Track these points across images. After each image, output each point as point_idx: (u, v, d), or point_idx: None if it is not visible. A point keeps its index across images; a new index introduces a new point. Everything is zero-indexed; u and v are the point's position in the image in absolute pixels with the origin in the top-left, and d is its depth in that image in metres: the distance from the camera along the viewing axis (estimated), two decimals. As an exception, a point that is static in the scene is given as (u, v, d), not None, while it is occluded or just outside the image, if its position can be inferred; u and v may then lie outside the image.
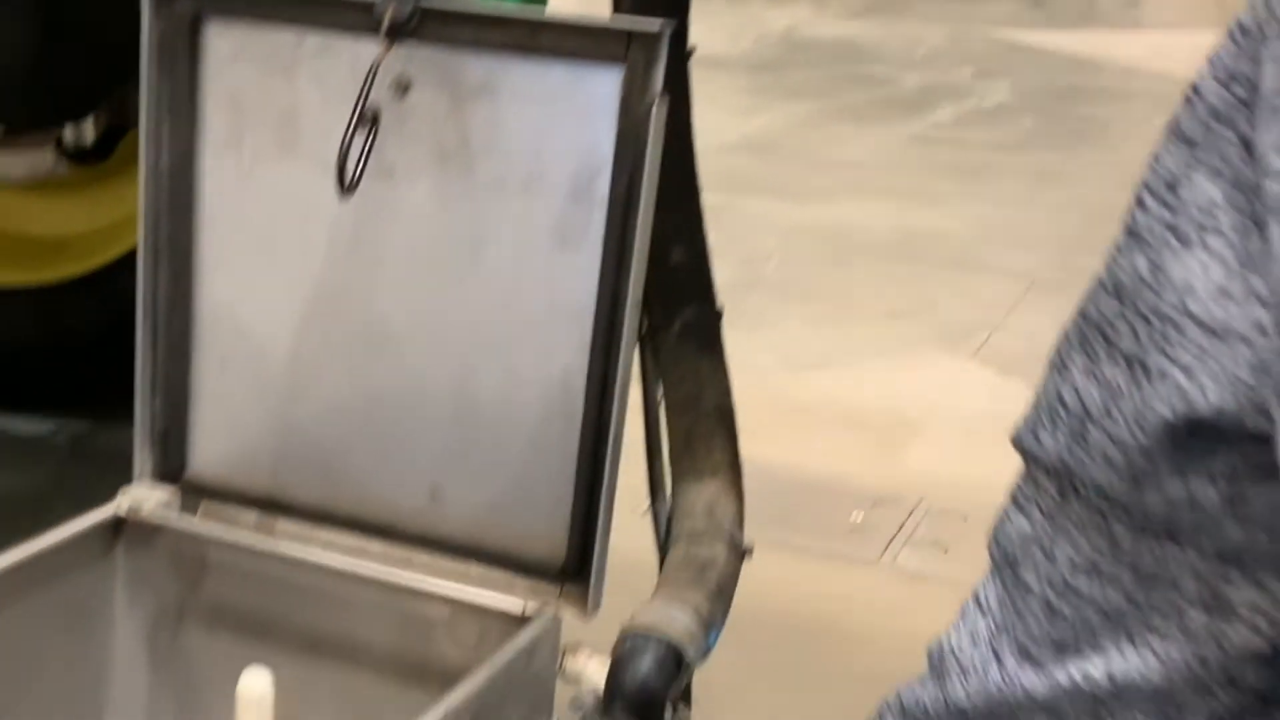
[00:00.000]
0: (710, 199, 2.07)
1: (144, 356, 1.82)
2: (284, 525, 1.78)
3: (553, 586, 1.67)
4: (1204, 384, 0.81)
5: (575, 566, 1.66)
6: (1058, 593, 0.94)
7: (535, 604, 1.63)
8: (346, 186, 1.54)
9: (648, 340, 1.79)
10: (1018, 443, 0.95)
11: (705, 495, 1.68)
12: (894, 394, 5.34)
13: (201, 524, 1.80)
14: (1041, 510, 0.95)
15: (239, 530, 1.79)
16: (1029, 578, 0.96)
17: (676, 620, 1.51)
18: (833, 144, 7.65)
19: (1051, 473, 0.94)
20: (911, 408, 5.02)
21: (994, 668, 0.98)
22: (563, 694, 1.63)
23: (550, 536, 1.67)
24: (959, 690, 1.00)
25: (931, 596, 4.19)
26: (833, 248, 6.58)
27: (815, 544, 4.34)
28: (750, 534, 4.01)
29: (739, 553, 1.65)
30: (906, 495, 4.52)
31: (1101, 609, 0.93)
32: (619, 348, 1.60)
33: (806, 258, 6.49)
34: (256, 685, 1.48)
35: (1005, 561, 0.99)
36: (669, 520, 1.69)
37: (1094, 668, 0.95)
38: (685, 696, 1.64)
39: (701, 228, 1.85)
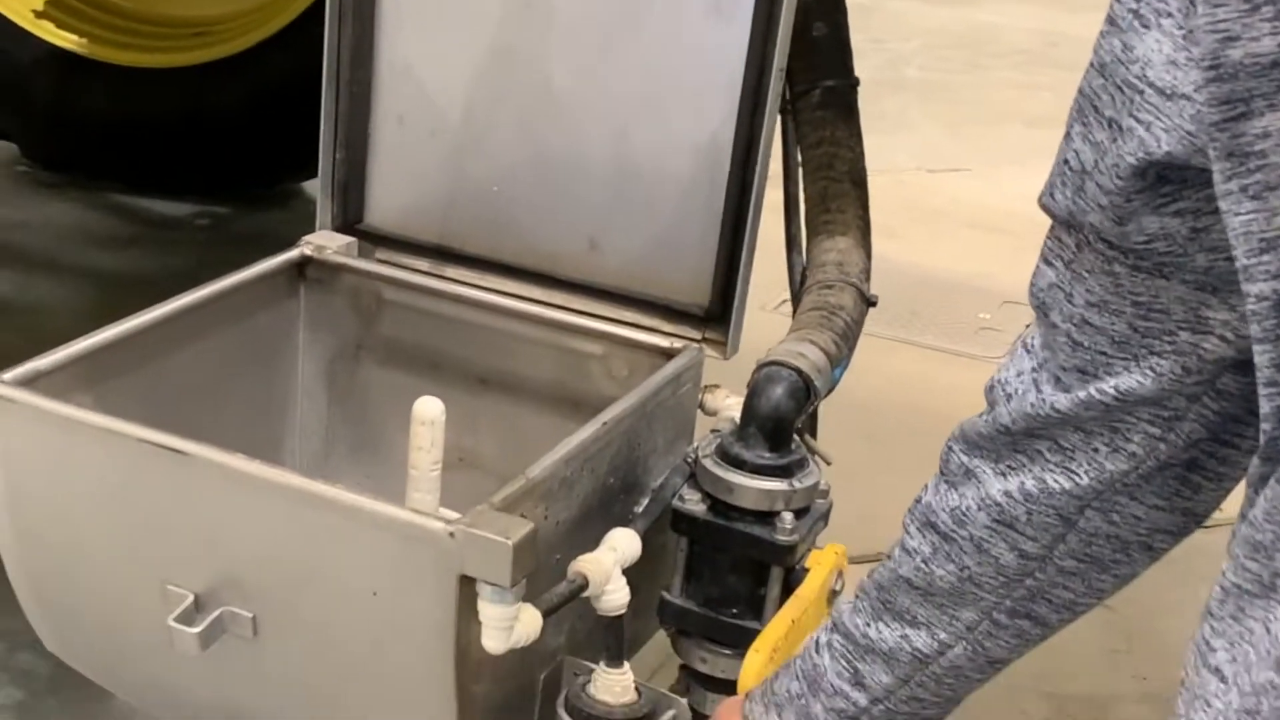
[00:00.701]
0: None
1: (327, 113, 2.04)
2: (453, 271, 2.03)
3: (696, 330, 1.92)
4: (1158, 135, 1.04)
5: (717, 312, 1.91)
6: (1077, 327, 1.19)
7: (680, 342, 1.90)
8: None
9: (789, 107, 2.00)
10: (1041, 204, 1.19)
11: (836, 250, 1.91)
12: (1026, 199, 5.50)
13: (378, 266, 2.05)
14: (1063, 261, 1.19)
15: (413, 272, 2.04)
16: (1056, 318, 1.21)
17: (807, 355, 1.75)
18: (978, -54, 7.71)
19: (1066, 226, 1.17)
20: (1042, 213, 5.18)
21: (1033, 393, 1.24)
22: (702, 425, 1.90)
23: (695, 285, 1.91)
24: (1004, 413, 1.27)
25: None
26: (973, 51, 6.70)
27: (944, 342, 4.58)
28: (882, 330, 4.25)
29: (865, 301, 1.89)
30: (1034, 297, 4.72)
31: (1111, 338, 1.17)
32: (764, 113, 1.82)
33: (948, 61, 6.62)
34: (429, 409, 1.72)
35: (1039, 308, 1.23)
36: (803, 271, 1.93)
37: (1106, 385, 1.18)
38: (811, 427, 1.89)
39: (842, 4, 2.05)
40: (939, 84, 6.51)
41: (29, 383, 1.66)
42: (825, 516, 1.77)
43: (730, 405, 1.88)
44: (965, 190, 5.78)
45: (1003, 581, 1.33)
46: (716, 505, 1.72)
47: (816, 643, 1.46)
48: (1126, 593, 1.38)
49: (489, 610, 1.46)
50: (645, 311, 1.94)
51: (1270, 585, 0.99)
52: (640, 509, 1.74)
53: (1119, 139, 1.08)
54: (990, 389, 1.31)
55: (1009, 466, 1.29)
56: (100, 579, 1.67)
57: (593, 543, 1.62)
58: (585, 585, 1.57)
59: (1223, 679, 1.01)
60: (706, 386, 1.91)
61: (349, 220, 2.09)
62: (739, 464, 1.71)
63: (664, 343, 1.89)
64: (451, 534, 1.44)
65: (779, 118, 1.88)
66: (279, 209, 4.91)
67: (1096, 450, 1.23)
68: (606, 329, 1.93)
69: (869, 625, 1.41)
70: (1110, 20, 1.08)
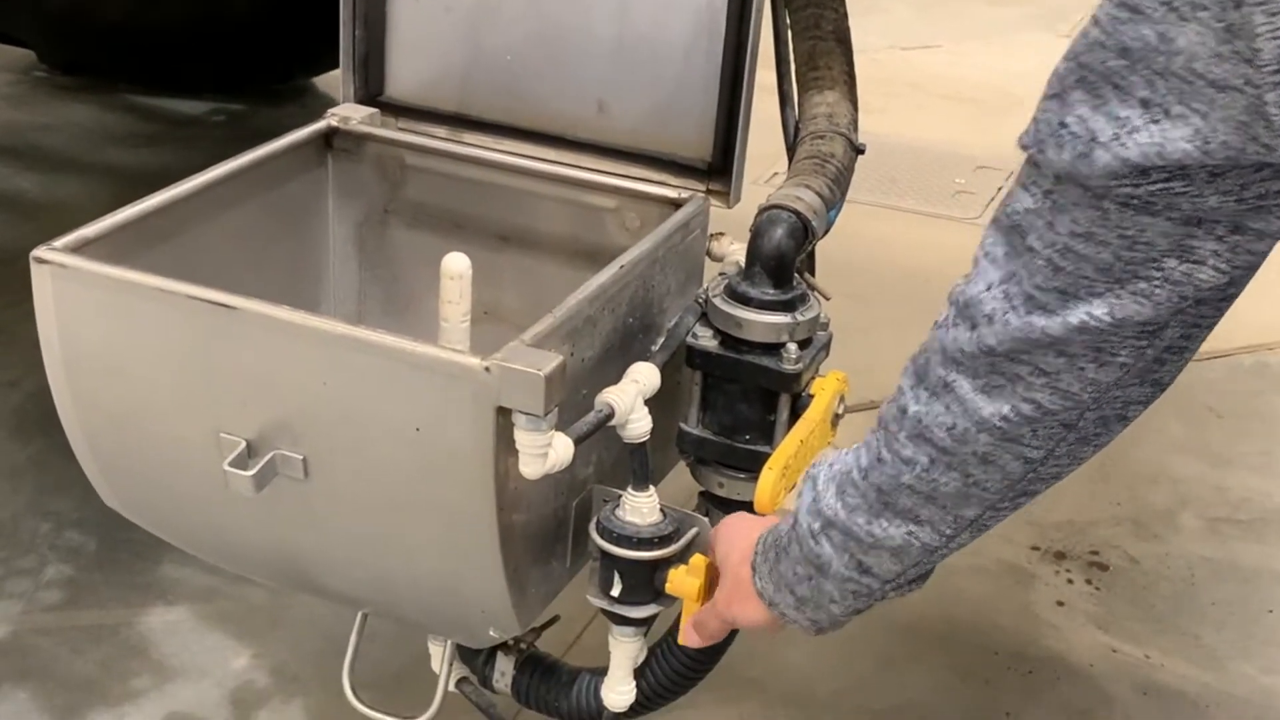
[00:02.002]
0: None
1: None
2: (471, 137, 2.05)
3: (701, 182, 1.94)
4: (1215, 125, 1.04)
5: (720, 164, 1.92)
6: (1060, 253, 1.17)
7: (687, 193, 1.92)
8: None
9: (778, -30, 2.03)
10: (1026, 149, 1.19)
11: (825, 103, 1.93)
12: (996, 72, 5.54)
13: (400, 134, 2.06)
14: (1042, 191, 1.18)
15: (433, 139, 2.06)
16: (1034, 243, 1.19)
17: (804, 198, 1.77)
18: None
19: (1055, 176, 1.17)
20: (1012, 84, 5.22)
21: (1011, 315, 1.22)
22: (710, 271, 1.93)
23: (699, 141, 1.93)
24: (988, 335, 1.24)
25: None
26: (939, -65, 6.69)
27: (922, 206, 4.61)
28: (863, 197, 4.27)
29: (854, 149, 1.92)
30: (1006, 161, 4.75)
31: (1096, 265, 1.16)
32: (756, -26, 1.85)
33: (915, -56, 6.61)
34: (456, 264, 1.72)
35: (1014, 229, 1.22)
36: (796, 125, 1.96)
37: (1096, 309, 1.17)
38: (810, 265, 1.92)
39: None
40: (908, -34, 6.50)
41: (78, 249, 1.68)
42: (826, 347, 1.81)
43: (735, 251, 1.91)
44: (936, 65, 5.80)
45: (1008, 484, 1.32)
46: (727, 340, 1.75)
47: (810, 531, 1.44)
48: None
49: (525, 438, 1.49)
50: (653, 168, 1.96)
51: None
52: (657, 346, 1.77)
53: (1164, 122, 1.08)
54: (962, 302, 1.28)
55: (991, 385, 1.26)
56: (156, 432, 1.69)
57: (616, 377, 1.65)
58: (612, 414, 1.60)
59: None
60: (713, 234, 1.94)
61: (370, 93, 2.11)
62: (746, 301, 1.74)
63: (672, 194, 1.91)
64: (487, 369, 1.47)
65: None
66: (292, 103, 4.93)
67: (1083, 369, 1.22)
68: (618, 183, 1.95)
69: (871, 524, 1.39)
70: (1130, 7, 1.08)
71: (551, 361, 1.47)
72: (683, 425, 1.80)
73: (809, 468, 1.48)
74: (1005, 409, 1.26)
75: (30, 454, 3.08)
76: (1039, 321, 1.20)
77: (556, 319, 1.59)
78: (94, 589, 2.78)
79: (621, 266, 1.71)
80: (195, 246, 1.86)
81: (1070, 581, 2.92)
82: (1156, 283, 1.15)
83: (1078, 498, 3.14)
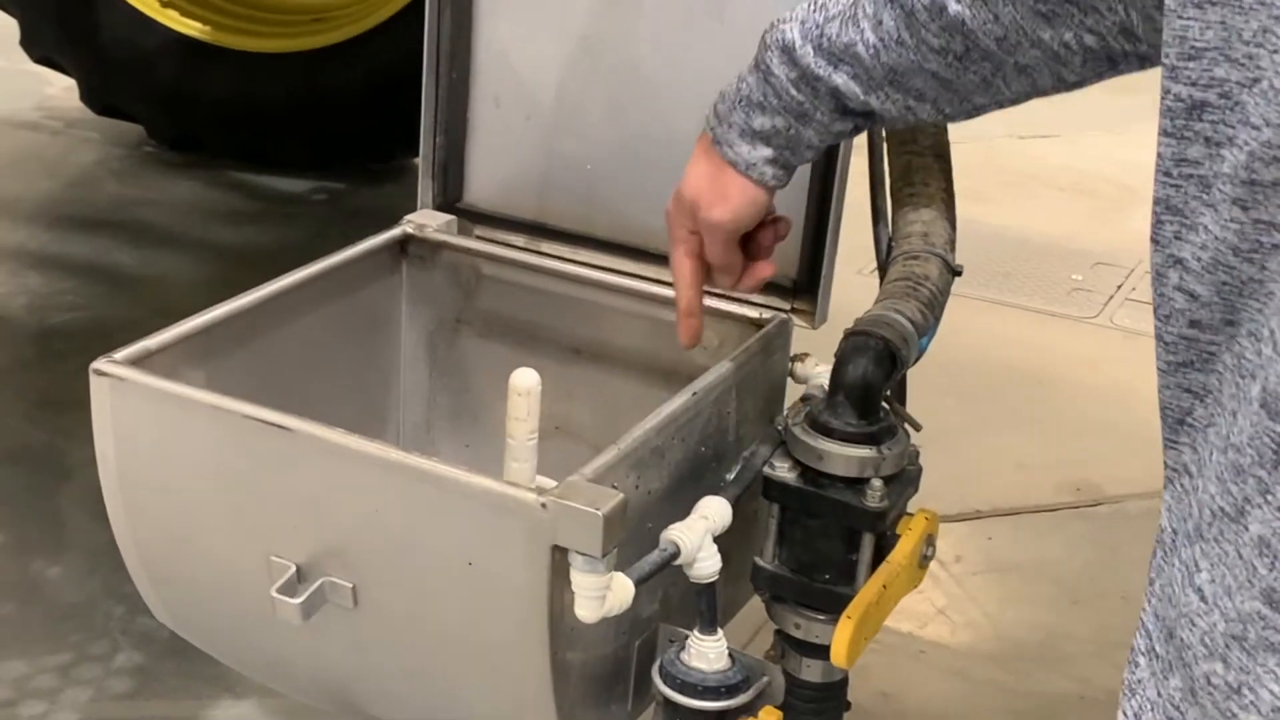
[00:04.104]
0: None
1: (428, 98, 2.02)
2: (548, 246, 2.00)
3: (784, 300, 1.88)
4: None
5: (805, 282, 1.87)
6: None
7: (770, 312, 1.86)
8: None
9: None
10: None
11: (921, 221, 1.86)
12: (1116, 163, 5.43)
13: (476, 243, 2.02)
14: None
15: (509, 248, 2.01)
16: None
17: (894, 324, 1.70)
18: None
19: None
20: (1132, 176, 5.12)
21: None
22: (792, 393, 1.86)
23: (784, 256, 1.85)
24: None
25: (1146, 351, 4.33)
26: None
27: (1037, 302, 4.51)
28: (975, 292, 4.19)
29: (950, 271, 1.84)
30: (1125, 258, 4.65)
31: None
32: (848, 87, 1.79)
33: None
34: (525, 380, 1.67)
35: None
36: (889, 242, 1.89)
37: None
38: (900, 394, 1.85)
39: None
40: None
41: (139, 361, 1.64)
42: (915, 482, 1.73)
43: (819, 373, 1.84)
44: (1054, 155, 5.70)
45: (1030, 92, 1.40)
46: (807, 472, 1.68)
47: (786, 78, 1.48)
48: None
49: (581, 580, 1.42)
50: (735, 283, 1.90)
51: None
52: (731, 475, 1.70)
53: None
54: None
55: (1055, 13, 1.28)
56: (207, 551, 1.65)
57: (685, 510, 1.58)
58: (677, 553, 1.53)
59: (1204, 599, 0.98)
60: (795, 355, 1.87)
61: (449, 199, 2.07)
62: (828, 432, 1.66)
63: (753, 313, 1.85)
64: (543, 505, 1.41)
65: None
66: (392, 183, 4.95)
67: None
68: (696, 301, 1.89)
69: (869, 95, 1.45)
70: None
71: (611, 500, 1.41)
72: (758, 560, 1.72)
73: (766, 32, 1.50)
74: (1068, 35, 1.30)
75: (110, 537, 3.04)
76: None
77: (621, 450, 1.53)
78: (162, 678, 2.76)
79: (694, 394, 1.65)
80: (265, 354, 1.83)
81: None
82: None
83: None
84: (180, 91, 4.82)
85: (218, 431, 1.57)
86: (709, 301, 1.87)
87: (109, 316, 4.09)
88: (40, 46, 4.93)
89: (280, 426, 1.53)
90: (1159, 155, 1.00)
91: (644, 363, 1.94)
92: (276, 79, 4.73)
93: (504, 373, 1.68)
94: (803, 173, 1.84)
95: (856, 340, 1.69)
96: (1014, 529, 3.39)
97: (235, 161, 5.03)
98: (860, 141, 1.87)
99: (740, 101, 1.53)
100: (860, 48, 1.42)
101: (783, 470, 1.68)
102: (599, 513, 1.39)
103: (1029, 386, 3.95)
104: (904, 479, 1.70)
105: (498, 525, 1.45)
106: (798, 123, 1.51)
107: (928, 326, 1.76)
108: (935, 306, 1.79)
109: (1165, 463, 1.05)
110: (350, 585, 1.55)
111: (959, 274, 1.86)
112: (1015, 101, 1.45)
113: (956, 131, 1.87)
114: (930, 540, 1.71)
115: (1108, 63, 1.33)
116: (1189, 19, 0.96)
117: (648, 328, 1.92)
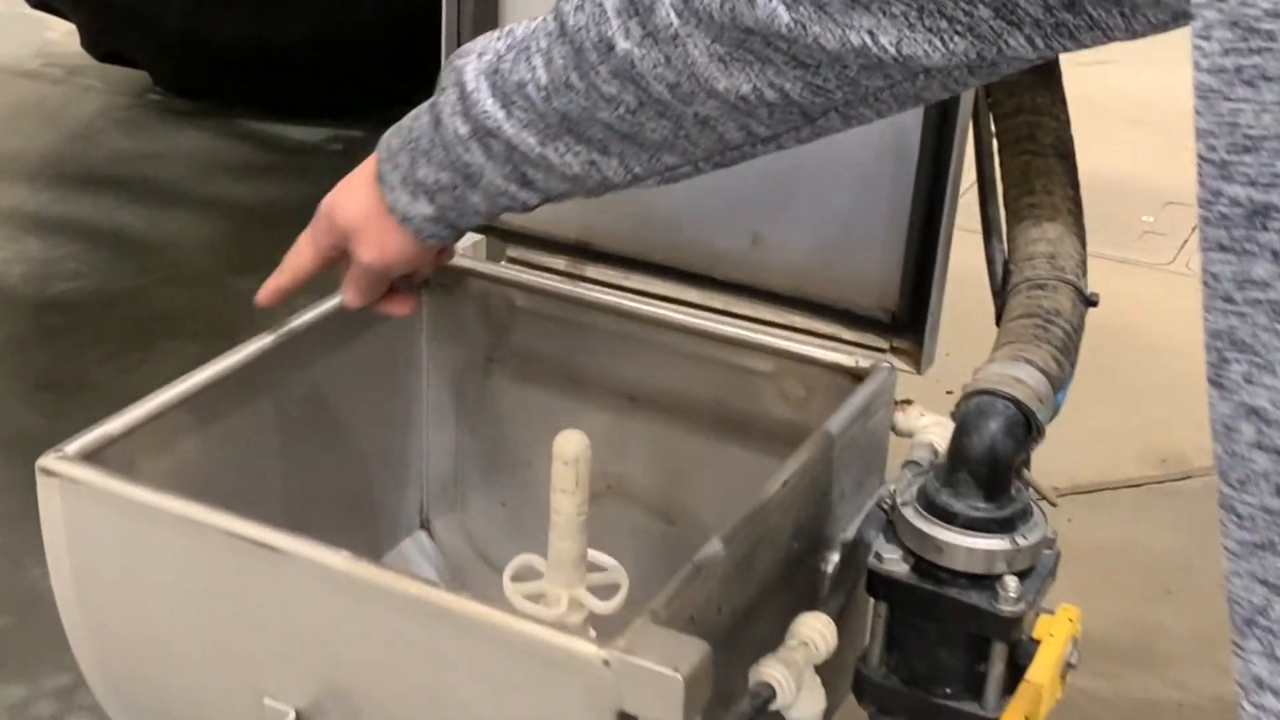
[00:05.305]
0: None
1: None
2: (594, 271, 1.67)
3: (881, 338, 1.55)
4: None
5: (907, 317, 1.54)
6: None
7: (868, 358, 1.51)
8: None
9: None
10: None
11: (1045, 239, 1.52)
12: (1180, 92, 5.06)
13: (509, 268, 1.70)
14: None
15: (547, 275, 1.69)
16: None
17: (1025, 380, 1.36)
18: None
19: None
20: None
21: (780, 5, 1.02)
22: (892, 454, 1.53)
23: (881, 284, 1.53)
24: (746, 13, 1.03)
25: (1229, 302, 4.04)
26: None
27: (1105, 248, 4.17)
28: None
29: (1084, 302, 1.51)
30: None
31: None
32: (957, 79, 1.45)
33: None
34: (572, 446, 1.37)
35: None
36: (1005, 266, 1.55)
37: (885, 36, 1.00)
38: (1024, 462, 1.51)
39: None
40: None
41: (98, 454, 1.31)
42: (1053, 571, 1.39)
43: (926, 426, 1.50)
44: (1113, 82, 5.33)
45: (721, 148, 1.17)
46: (921, 564, 1.34)
47: (459, 136, 1.25)
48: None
49: (657, 756, 1.10)
50: (820, 316, 1.57)
51: None
52: (829, 569, 1.37)
53: None
54: None
55: (734, 58, 1.07)
56: (186, 685, 1.33)
57: (774, 623, 1.26)
58: (773, 697, 1.21)
59: None
60: (897, 403, 1.53)
61: (476, 214, 1.73)
62: (948, 516, 1.32)
63: (848, 360, 1.50)
64: (606, 662, 1.08)
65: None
66: None
67: (847, 68, 1.04)
68: (777, 343, 1.54)
69: (546, 146, 1.21)
70: None
71: (693, 655, 1.08)
72: (862, 667, 1.39)
73: (451, 58, 1.29)
74: (745, 88, 1.09)
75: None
76: (814, 27, 1.02)
77: (699, 567, 1.20)
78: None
79: (785, 482, 1.31)
80: (263, 417, 1.52)
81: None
82: (960, 29, 0.99)
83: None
84: (187, 36, 4.58)
85: (195, 550, 1.24)
86: (791, 344, 1.53)
87: (113, 285, 3.83)
88: (38, -10, 4.71)
89: (270, 547, 1.20)
90: (1211, 276, 0.76)
91: (710, 412, 1.60)
92: (289, 20, 4.47)
93: (543, 421, 1.46)
94: (904, 180, 1.50)
95: (980, 402, 1.34)
96: (1093, 509, 3.10)
97: (245, 109, 4.77)
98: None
99: (409, 144, 1.32)
100: (532, 88, 1.20)
101: (892, 561, 1.35)
102: (679, 676, 1.06)
103: (1102, 344, 3.60)
104: (1040, 570, 1.37)
105: (547, 683, 1.12)
106: (465, 184, 1.29)
107: (1064, 377, 1.42)
108: (1070, 351, 1.45)
109: (1234, 676, 0.79)
110: (362, 740, 1.22)
111: (1094, 304, 1.51)
112: (709, 162, 1.21)
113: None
114: (1074, 644, 1.38)
115: (802, 116, 1.13)
116: (1239, 101, 0.72)
117: (717, 373, 1.58)
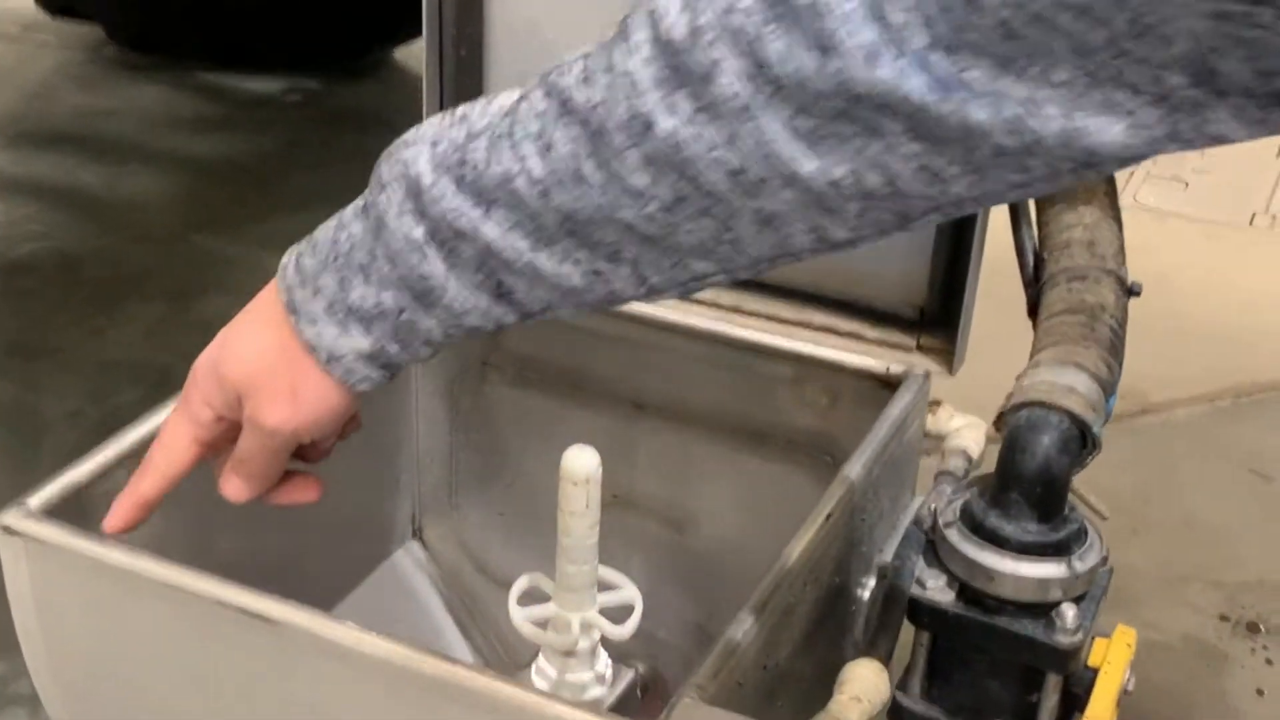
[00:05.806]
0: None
1: (431, 80, 1.52)
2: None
3: (909, 336, 1.42)
4: None
5: (937, 314, 1.40)
6: (1027, 18, 0.72)
7: (897, 362, 1.38)
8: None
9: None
10: None
11: (1081, 224, 1.39)
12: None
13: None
14: None
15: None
16: None
17: (1076, 388, 1.23)
18: None
19: None
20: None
21: (904, 63, 0.75)
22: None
23: (907, 277, 1.40)
24: (850, 72, 0.76)
25: (1173, 232, 3.93)
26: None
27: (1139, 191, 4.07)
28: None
29: (1126, 292, 1.38)
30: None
31: (1076, 45, 0.72)
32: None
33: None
34: (582, 465, 1.24)
35: None
36: (1037, 255, 1.41)
37: (1051, 105, 0.74)
38: (1073, 470, 1.38)
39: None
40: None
41: (63, 507, 1.18)
42: (1106, 591, 1.27)
43: (959, 429, 1.38)
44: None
45: (775, 254, 0.88)
46: (967, 591, 1.22)
47: (405, 236, 0.94)
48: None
49: None
50: (841, 313, 1.43)
51: None
52: (864, 597, 1.25)
53: None
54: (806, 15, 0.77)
55: (825, 134, 0.80)
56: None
57: (813, 660, 1.15)
58: (828, 764, 1.09)
59: None
60: (929, 403, 1.41)
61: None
62: (998, 540, 1.20)
63: (878, 365, 1.37)
64: (650, 750, 0.96)
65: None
66: (372, 80, 4.60)
67: (977, 150, 0.78)
68: (798, 348, 1.41)
69: (537, 252, 0.91)
70: None
71: (744, 738, 0.96)
72: (901, 697, 1.27)
73: (386, 152, 0.97)
74: (840, 171, 0.80)
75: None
76: (956, 93, 0.75)
77: (746, 631, 1.07)
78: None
79: (829, 516, 1.18)
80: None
81: (1269, 662, 2.37)
82: (1150, 98, 0.72)
83: (1267, 547, 2.59)
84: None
85: (181, 621, 1.11)
86: (813, 347, 1.40)
87: (78, 246, 3.69)
88: (-15, -54, 4.54)
89: (261, 617, 1.07)
90: None
91: (723, 420, 1.47)
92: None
93: (542, 428, 1.38)
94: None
95: (1031, 415, 1.21)
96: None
97: (200, 62, 4.61)
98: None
99: (335, 259, 0.99)
100: (522, 183, 0.90)
101: (936, 589, 1.22)
102: (731, 764, 0.94)
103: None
104: (1094, 593, 1.25)
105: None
106: (415, 304, 0.97)
107: (1114, 381, 1.29)
108: (1118, 350, 1.32)
109: None
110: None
111: (1136, 294, 1.38)
112: (752, 270, 0.93)
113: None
114: (1129, 670, 1.26)
115: (897, 217, 0.86)
116: None
117: (732, 379, 1.45)
